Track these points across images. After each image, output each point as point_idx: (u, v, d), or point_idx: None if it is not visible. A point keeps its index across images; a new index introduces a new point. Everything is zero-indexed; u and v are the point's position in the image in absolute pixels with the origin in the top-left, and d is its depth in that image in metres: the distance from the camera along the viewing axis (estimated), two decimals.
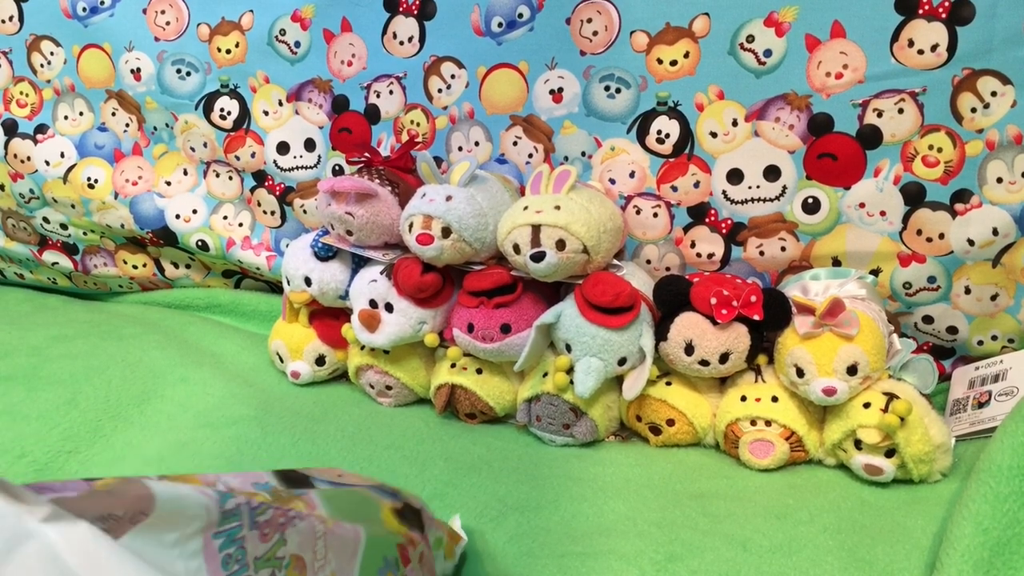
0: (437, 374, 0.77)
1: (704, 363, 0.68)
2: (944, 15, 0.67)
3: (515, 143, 0.82)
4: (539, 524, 0.59)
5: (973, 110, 0.68)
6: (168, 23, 0.89)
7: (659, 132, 0.76)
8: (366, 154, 0.80)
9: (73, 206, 0.97)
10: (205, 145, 0.93)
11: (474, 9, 0.78)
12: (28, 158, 0.96)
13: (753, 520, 0.59)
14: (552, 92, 0.79)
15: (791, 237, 0.76)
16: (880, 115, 0.70)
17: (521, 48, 0.78)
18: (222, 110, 0.90)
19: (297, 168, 0.90)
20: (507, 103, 0.80)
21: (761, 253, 0.77)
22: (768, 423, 0.67)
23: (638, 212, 0.79)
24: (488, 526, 0.59)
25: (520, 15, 0.77)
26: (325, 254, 0.80)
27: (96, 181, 0.95)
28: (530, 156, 0.81)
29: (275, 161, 0.90)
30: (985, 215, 0.70)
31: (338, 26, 0.84)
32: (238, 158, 0.92)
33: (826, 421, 0.68)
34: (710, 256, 0.78)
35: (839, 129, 0.72)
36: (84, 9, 0.91)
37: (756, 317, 0.67)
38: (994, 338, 0.75)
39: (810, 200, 0.74)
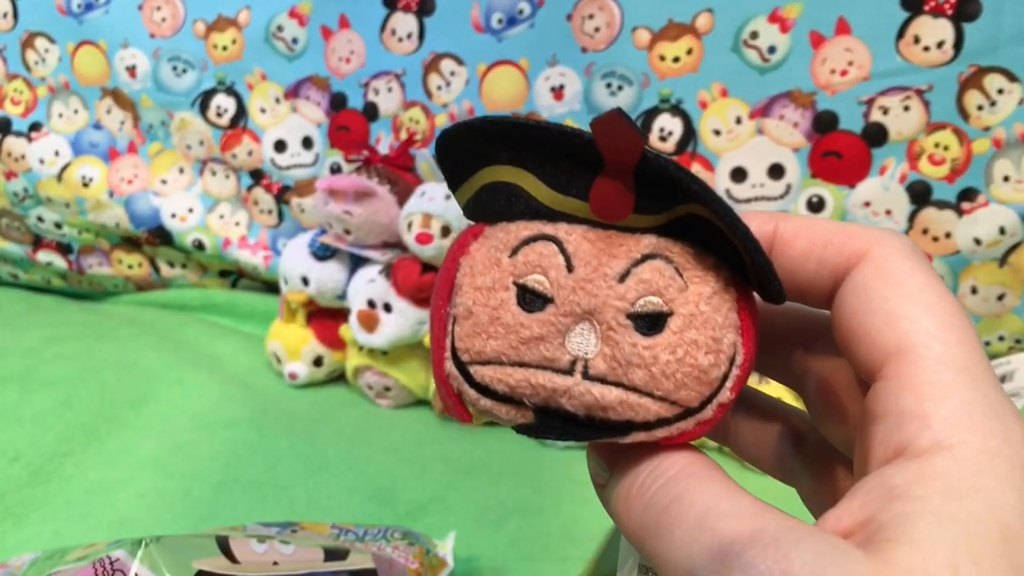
0: None
1: None
2: (950, 11, 0.66)
3: None
4: (540, 528, 0.58)
5: (980, 108, 0.67)
6: (164, 19, 0.88)
7: (662, 130, 0.75)
8: (364, 152, 0.80)
9: (67, 205, 0.96)
10: (201, 143, 0.92)
11: (474, 5, 0.77)
12: (22, 156, 0.95)
13: None
14: (553, 89, 0.78)
15: None
16: (886, 113, 0.69)
17: (522, 45, 0.77)
18: (218, 108, 0.89)
19: (294, 166, 0.89)
20: (507, 100, 0.79)
21: None
22: None
23: None
24: (488, 529, 0.58)
25: (521, 11, 0.76)
26: (323, 253, 0.79)
27: (91, 180, 0.94)
28: None
29: (272, 159, 0.89)
30: (992, 214, 0.69)
31: (336, 23, 0.83)
32: (235, 156, 0.90)
33: None
34: None
35: (844, 127, 0.71)
36: (79, 5, 0.90)
37: None
38: (1001, 339, 0.74)
39: (814, 199, 0.73)
